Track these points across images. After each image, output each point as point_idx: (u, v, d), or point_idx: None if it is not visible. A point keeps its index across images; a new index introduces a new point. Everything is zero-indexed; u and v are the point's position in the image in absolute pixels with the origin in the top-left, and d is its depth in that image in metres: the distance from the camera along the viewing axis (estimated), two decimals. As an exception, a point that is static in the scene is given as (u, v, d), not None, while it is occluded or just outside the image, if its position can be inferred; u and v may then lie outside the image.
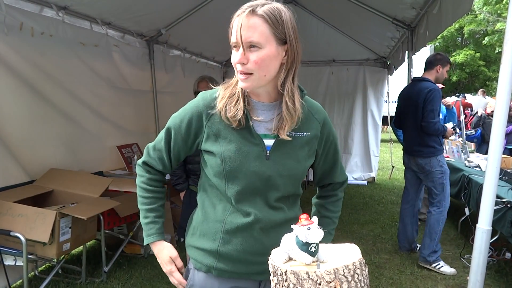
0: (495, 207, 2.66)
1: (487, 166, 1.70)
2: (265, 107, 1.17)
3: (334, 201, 1.37)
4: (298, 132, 1.16)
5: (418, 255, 3.56)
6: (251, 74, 1.07)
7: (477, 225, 1.73)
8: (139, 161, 1.29)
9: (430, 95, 3.34)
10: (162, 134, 1.24)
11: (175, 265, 1.24)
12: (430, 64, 3.51)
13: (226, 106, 1.13)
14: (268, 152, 1.14)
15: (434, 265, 3.39)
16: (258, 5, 1.05)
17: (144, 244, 1.25)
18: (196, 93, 2.83)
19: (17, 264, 2.67)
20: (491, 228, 1.71)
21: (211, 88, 1.21)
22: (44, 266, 3.35)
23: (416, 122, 3.44)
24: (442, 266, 3.36)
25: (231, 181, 1.14)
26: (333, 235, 1.35)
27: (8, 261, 2.67)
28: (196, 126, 1.17)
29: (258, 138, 1.14)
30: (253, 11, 1.03)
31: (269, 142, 1.15)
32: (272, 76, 1.10)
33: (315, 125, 1.21)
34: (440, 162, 3.40)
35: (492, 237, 3.19)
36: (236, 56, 1.07)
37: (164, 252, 1.24)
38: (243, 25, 1.03)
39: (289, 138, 1.13)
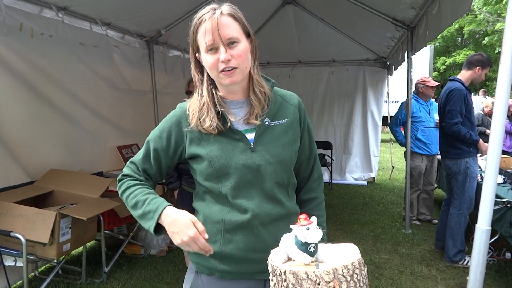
0: (495, 207, 2.65)
1: (486, 166, 1.70)
2: (239, 104, 1.21)
3: (316, 205, 1.32)
4: (277, 120, 1.21)
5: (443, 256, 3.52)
6: (235, 68, 1.11)
7: (476, 225, 1.73)
8: (118, 178, 1.23)
9: (450, 95, 3.32)
10: (141, 149, 1.25)
11: (197, 229, 1.06)
12: (469, 64, 3.40)
13: (199, 120, 1.16)
14: (252, 144, 1.17)
15: (460, 262, 3.38)
16: (220, 7, 1.11)
17: (155, 218, 1.08)
18: (187, 93, 2.82)
19: (17, 264, 2.67)
20: (491, 228, 1.71)
21: None
22: (44, 266, 3.36)
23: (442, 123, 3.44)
24: (468, 261, 3.32)
25: (223, 179, 1.16)
26: (326, 240, 1.33)
27: (8, 261, 2.67)
28: (176, 134, 1.20)
29: (239, 133, 1.17)
30: (221, 13, 1.09)
31: (250, 136, 1.18)
32: (249, 67, 1.16)
33: (291, 110, 1.24)
34: (468, 164, 3.31)
35: (492, 237, 3.20)
36: (216, 56, 1.09)
37: (184, 215, 1.06)
38: (220, 25, 1.07)
39: (258, 122, 1.16)
